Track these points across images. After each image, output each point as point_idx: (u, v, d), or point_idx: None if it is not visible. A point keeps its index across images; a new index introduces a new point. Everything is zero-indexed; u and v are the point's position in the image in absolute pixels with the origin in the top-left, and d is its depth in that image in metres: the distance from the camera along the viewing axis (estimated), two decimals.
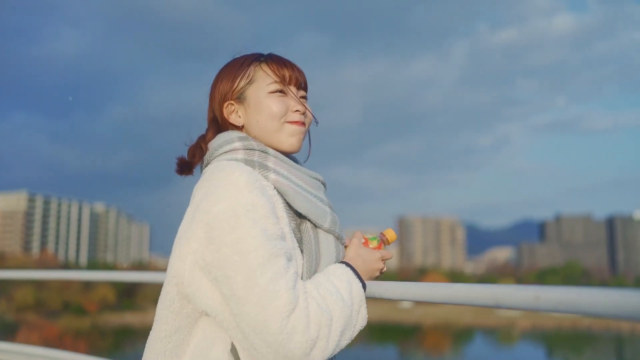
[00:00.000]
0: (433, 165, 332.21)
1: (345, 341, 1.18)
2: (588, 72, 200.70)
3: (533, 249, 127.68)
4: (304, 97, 1.39)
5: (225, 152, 1.28)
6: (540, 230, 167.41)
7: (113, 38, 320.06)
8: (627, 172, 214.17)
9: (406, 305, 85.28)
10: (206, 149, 1.35)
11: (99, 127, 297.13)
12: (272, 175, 1.25)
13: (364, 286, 1.25)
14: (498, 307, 1.02)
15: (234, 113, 1.35)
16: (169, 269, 1.22)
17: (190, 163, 1.36)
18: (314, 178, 1.35)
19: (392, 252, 1.22)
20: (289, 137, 1.32)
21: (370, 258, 1.32)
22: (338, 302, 1.16)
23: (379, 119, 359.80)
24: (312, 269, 1.23)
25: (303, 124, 1.34)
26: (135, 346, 42.15)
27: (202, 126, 1.40)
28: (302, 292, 1.12)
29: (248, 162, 1.24)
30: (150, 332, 1.25)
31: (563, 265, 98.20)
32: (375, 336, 56.09)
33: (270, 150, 1.30)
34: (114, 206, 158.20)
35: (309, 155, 1.43)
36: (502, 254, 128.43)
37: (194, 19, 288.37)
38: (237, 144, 1.28)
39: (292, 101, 1.33)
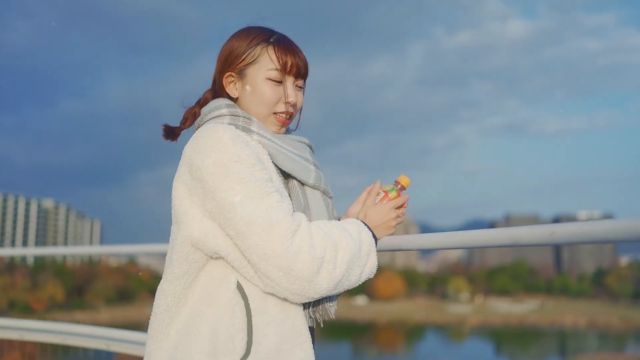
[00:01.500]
0: (389, 164, 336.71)
1: (354, 277, 1.24)
2: (538, 77, 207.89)
3: (483, 248, 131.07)
4: (301, 86, 1.46)
5: (213, 117, 1.36)
6: None
7: (66, 30, 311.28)
8: (573, 174, 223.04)
9: (360, 302, 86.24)
10: (199, 113, 1.44)
11: (50, 121, 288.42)
12: (255, 137, 1.33)
13: (375, 237, 1.32)
14: (515, 245, 1.11)
15: (231, 84, 1.43)
16: (173, 217, 1.31)
17: (174, 129, 1.47)
18: (298, 141, 1.44)
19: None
20: (271, 126, 1.41)
21: (380, 211, 1.38)
22: (345, 236, 1.24)
23: (337, 118, 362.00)
24: None
25: (289, 117, 1.43)
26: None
27: (158, 121, 1.49)
28: (304, 219, 1.23)
29: (232, 125, 1.34)
30: (162, 276, 1.33)
31: (512, 264, 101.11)
32: (329, 334, 56.61)
33: (254, 118, 1.38)
34: (64, 202, 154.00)
35: (298, 125, 1.51)
36: (453, 253, 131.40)
37: (151, 13, 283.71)
38: (224, 110, 1.37)
39: (286, 91, 1.40)
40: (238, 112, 1.37)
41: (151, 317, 1.32)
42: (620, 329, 68.85)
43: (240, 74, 1.41)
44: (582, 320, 74.10)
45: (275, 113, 1.40)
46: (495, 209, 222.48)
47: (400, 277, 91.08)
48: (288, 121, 1.43)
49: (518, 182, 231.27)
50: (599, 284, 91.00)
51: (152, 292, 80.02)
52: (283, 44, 1.40)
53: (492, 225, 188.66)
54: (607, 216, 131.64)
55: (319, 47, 73.23)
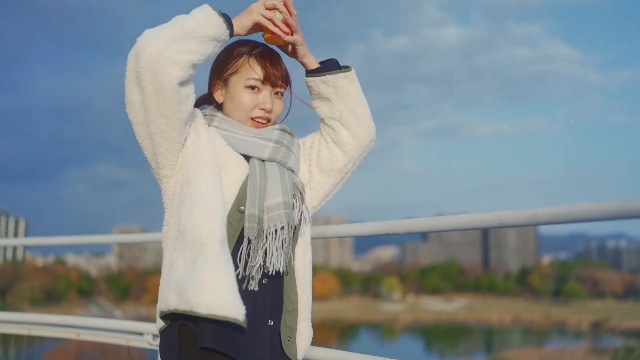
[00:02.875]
0: None
1: (179, 23, 1.40)
2: (471, 82, 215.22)
3: (416, 248, 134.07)
4: (280, 93, 1.62)
5: None
6: None
7: None
8: (501, 177, 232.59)
9: None
10: None
11: None
12: (213, 129, 1.56)
13: (229, 24, 1.46)
14: (501, 227, 1.29)
15: (218, 91, 1.62)
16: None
17: None
18: (272, 128, 1.62)
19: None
20: (250, 128, 1.61)
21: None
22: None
23: None
24: (261, 190, 1.51)
25: (267, 122, 1.61)
26: (10, 353, 39.28)
27: (90, 117, 1.60)
28: None
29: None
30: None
31: (442, 263, 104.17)
32: None
33: (220, 115, 1.60)
34: None
35: (285, 117, 1.70)
36: (387, 253, 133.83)
37: (85, 5, 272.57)
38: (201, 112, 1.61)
39: (263, 98, 1.58)
40: (206, 112, 1.59)
41: None
42: (542, 324, 72.45)
43: (225, 82, 1.60)
44: (507, 317, 77.43)
45: (252, 118, 1.59)
46: (427, 210, 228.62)
47: (335, 276, 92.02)
48: (264, 125, 1.61)
49: (449, 183, 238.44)
50: (523, 283, 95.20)
51: (81, 292, 77.25)
52: (263, 56, 1.58)
53: None
54: None
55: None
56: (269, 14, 1.53)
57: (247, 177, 1.53)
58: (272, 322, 1.52)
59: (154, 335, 2.62)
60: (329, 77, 1.64)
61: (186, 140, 1.50)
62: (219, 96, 1.63)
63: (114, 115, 35.91)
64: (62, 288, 74.49)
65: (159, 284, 1.50)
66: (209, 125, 1.57)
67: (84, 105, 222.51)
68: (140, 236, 3.12)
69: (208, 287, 1.33)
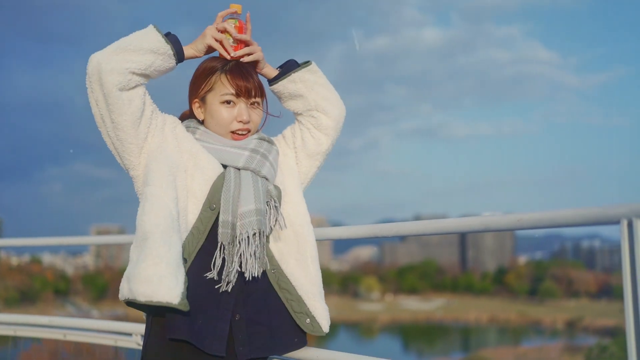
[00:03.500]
0: None
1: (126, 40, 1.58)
2: (450, 83, 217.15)
3: (394, 247, 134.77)
4: (257, 103, 1.71)
5: None
6: None
7: None
8: (479, 177, 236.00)
9: None
10: None
11: None
12: (195, 137, 1.69)
13: (174, 43, 1.63)
14: (487, 231, 1.42)
15: (197, 109, 1.73)
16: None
17: None
18: (252, 138, 1.72)
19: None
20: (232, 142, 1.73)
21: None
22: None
23: None
24: (234, 198, 1.61)
25: (246, 132, 1.71)
26: None
27: (67, 115, 1.64)
28: None
29: None
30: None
31: (420, 263, 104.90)
32: None
33: (201, 128, 1.71)
34: None
35: (263, 125, 1.79)
36: (365, 252, 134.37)
37: (63, 1, 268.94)
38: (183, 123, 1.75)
39: (239, 111, 1.67)
40: (190, 125, 1.72)
41: None
42: (518, 323, 73.42)
43: (202, 100, 1.71)
44: (484, 316, 78.29)
45: (232, 132, 1.69)
46: (405, 210, 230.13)
47: None
48: (245, 136, 1.71)
49: (428, 184, 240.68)
50: (499, 282, 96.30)
51: (57, 292, 76.18)
52: (233, 71, 1.68)
53: None
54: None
55: None
56: (219, 36, 1.68)
57: (218, 177, 1.63)
58: (238, 317, 1.60)
59: (142, 335, 2.62)
60: (295, 75, 1.77)
61: (148, 144, 1.63)
62: (199, 114, 1.74)
63: (92, 113, 35.45)
64: (37, 288, 73.42)
65: None
66: (192, 134, 1.70)
67: (61, 102, 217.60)
68: (117, 237, 3.13)
69: (144, 276, 1.46)
